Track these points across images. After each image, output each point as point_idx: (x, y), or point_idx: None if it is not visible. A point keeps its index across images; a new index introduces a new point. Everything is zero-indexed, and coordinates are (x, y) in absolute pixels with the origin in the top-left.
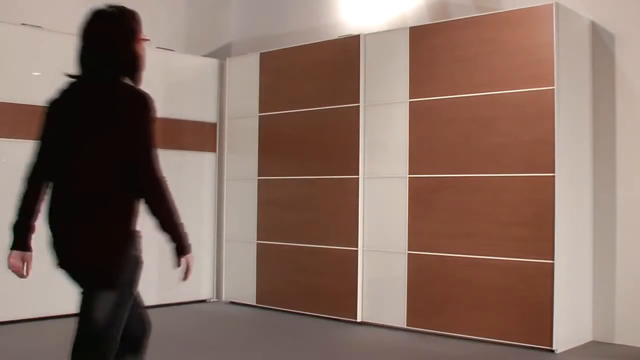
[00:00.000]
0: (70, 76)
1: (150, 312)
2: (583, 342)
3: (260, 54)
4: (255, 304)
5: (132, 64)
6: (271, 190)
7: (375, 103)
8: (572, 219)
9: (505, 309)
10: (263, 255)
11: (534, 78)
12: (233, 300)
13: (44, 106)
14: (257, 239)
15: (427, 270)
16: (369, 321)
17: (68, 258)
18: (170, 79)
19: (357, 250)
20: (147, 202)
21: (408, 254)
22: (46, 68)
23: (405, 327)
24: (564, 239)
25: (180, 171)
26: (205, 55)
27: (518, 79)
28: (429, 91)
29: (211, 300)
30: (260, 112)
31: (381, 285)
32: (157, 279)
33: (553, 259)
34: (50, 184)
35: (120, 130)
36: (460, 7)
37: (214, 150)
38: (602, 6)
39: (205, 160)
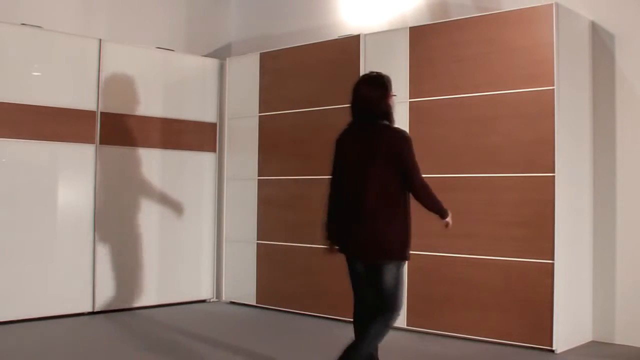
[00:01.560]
0: (353, 119)
1: (150, 312)
2: (583, 342)
3: (260, 54)
4: (255, 304)
5: (387, 113)
6: (271, 190)
7: None
8: (572, 219)
9: (505, 309)
10: (263, 255)
11: (534, 78)
12: (233, 300)
13: (336, 140)
14: (257, 239)
15: (427, 270)
16: None
17: (370, 244)
18: (170, 79)
19: None
20: (418, 199)
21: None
22: (46, 68)
23: (405, 327)
24: (564, 239)
25: (180, 171)
26: (205, 55)
27: (518, 79)
28: (429, 91)
29: (211, 300)
30: (260, 112)
31: None
32: (157, 279)
33: (553, 259)
34: (342, 196)
35: (391, 156)
36: (460, 7)
37: (214, 150)
38: (602, 6)
39: (205, 160)
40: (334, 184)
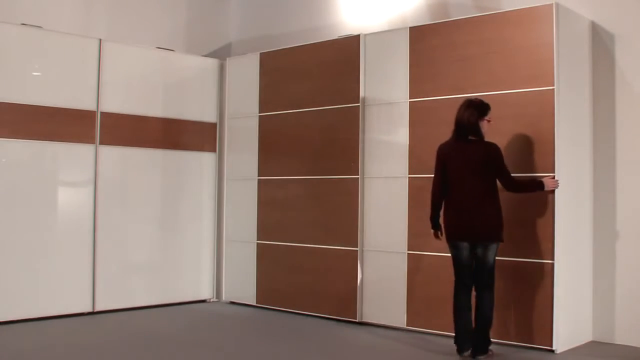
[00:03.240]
0: (454, 136)
1: (150, 312)
2: (583, 342)
3: (260, 54)
4: (255, 304)
5: (477, 131)
6: (271, 190)
7: (375, 103)
8: (572, 219)
9: (505, 309)
10: (263, 255)
11: (534, 78)
12: (233, 300)
13: (437, 152)
14: (257, 239)
15: (427, 270)
16: (369, 321)
17: (476, 229)
18: (170, 79)
19: (357, 250)
20: (512, 191)
21: (408, 254)
22: (46, 68)
23: (405, 327)
24: (564, 239)
25: (180, 171)
26: (205, 55)
27: (518, 79)
28: (429, 91)
29: (211, 300)
30: (260, 112)
31: (381, 285)
32: (157, 279)
33: (553, 259)
34: (451, 194)
35: (490, 163)
36: (460, 7)
37: (214, 150)
38: (602, 6)
39: (205, 160)
40: (440, 184)
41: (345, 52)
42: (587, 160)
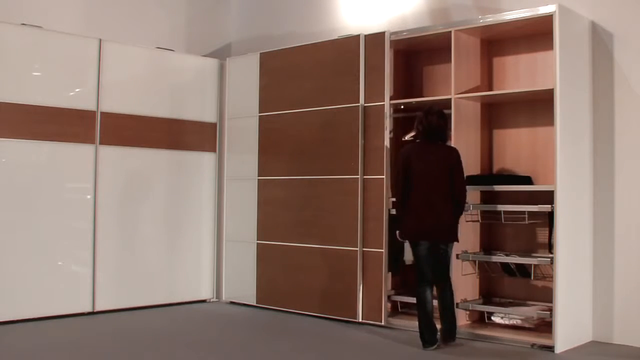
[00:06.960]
0: (423, 139)
1: (150, 312)
2: (583, 342)
3: (260, 54)
4: (255, 304)
5: (447, 135)
6: (271, 190)
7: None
8: (572, 219)
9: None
10: (263, 255)
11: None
12: (233, 300)
13: (402, 153)
14: (257, 239)
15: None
16: (369, 321)
17: (443, 229)
18: (170, 79)
19: (357, 250)
20: (459, 199)
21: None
22: (46, 68)
23: (405, 327)
24: (564, 239)
25: (180, 171)
26: (205, 55)
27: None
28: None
29: (211, 300)
30: (260, 112)
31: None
32: (157, 279)
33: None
34: (415, 196)
35: (450, 166)
36: (460, 8)
37: (214, 150)
38: (601, 6)
39: (205, 160)
40: (405, 186)
41: (345, 52)
42: (586, 159)
